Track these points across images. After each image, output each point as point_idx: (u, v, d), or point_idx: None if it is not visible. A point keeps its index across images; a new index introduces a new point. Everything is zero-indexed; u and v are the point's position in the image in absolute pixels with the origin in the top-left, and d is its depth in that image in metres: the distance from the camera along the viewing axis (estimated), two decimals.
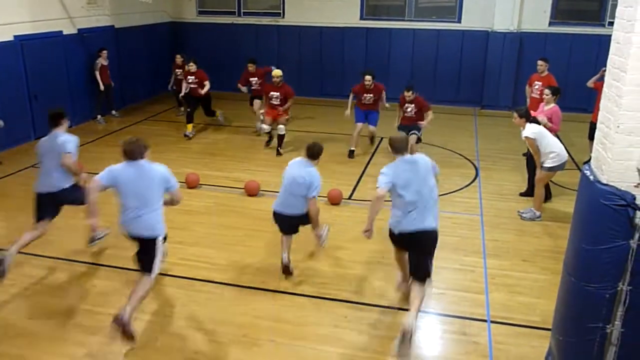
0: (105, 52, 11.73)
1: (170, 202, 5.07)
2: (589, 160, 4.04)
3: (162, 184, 4.85)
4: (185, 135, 10.71)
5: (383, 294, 5.55)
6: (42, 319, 5.05)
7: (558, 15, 13.02)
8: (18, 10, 9.97)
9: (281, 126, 9.70)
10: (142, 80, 13.65)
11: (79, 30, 11.56)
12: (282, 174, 5.88)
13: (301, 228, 5.98)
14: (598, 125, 3.81)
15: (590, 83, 9.19)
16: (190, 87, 10.75)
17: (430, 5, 14.05)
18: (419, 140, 8.83)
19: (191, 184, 8.08)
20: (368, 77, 9.37)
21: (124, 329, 4.54)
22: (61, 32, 11.07)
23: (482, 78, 13.37)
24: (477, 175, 9.00)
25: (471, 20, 13.28)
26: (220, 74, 13.13)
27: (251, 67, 10.89)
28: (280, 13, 14.49)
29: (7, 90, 9.68)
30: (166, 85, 12.58)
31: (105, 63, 11.79)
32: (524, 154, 8.73)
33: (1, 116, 9.04)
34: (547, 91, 7.89)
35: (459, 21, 13.45)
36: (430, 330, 5.06)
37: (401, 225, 4.84)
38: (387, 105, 9.70)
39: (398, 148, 4.95)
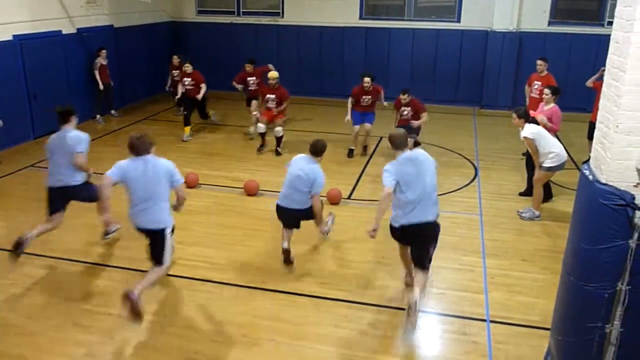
0: (104, 51, 11.72)
1: (177, 204, 5.22)
2: (588, 159, 4.05)
3: (167, 178, 5.01)
4: (184, 141, 10.60)
5: (383, 293, 5.56)
6: (42, 319, 5.05)
7: (557, 14, 13.02)
8: (17, 9, 9.96)
9: (278, 128, 9.64)
10: (142, 79, 13.64)
11: (78, 29, 11.55)
12: (283, 171, 6.00)
13: (303, 223, 6.03)
14: (597, 124, 3.82)
15: (589, 83, 9.19)
16: (187, 89, 10.63)
17: (429, 4, 14.06)
18: (417, 144, 8.76)
19: (190, 184, 8.08)
20: (367, 79, 9.31)
21: (132, 306, 4.69)
22: (60, 31, 11.06)
23: (482, 78, 13.38)
24: (476, 174, 9.01)
25: (470, 20, 13.28)
26: (219, 73, 13.15)
27: (249, 68, 10.81)
28: (279, 13, 14.48)
29: (6, 90, 9.67)
30: (165, 85, 12.61)
31: (104, 62, 11.79)
32: (523, 154, 8.74)
33: (0, 116, 9.03)
34: (547, 91, 7.89)
35: (459, 21, 13.45)
36: (430, 330, 5.06)
37: (404, 219, 4.95)
38: (385, 103, 9.64)
39: (398, 144, 5.06)
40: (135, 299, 4.71)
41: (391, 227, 5.12)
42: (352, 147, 9.69)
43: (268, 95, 9.74)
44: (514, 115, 7.14)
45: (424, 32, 13.59)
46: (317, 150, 5.93)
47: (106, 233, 6.47)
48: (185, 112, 10.78)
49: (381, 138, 10.37)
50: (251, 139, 10.46)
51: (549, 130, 7.57)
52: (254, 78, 10.86)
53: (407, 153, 5.05)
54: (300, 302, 5.38)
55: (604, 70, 3.97)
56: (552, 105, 7.78)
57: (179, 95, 10.89)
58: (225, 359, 4.57)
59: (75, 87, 11.47)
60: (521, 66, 12.79)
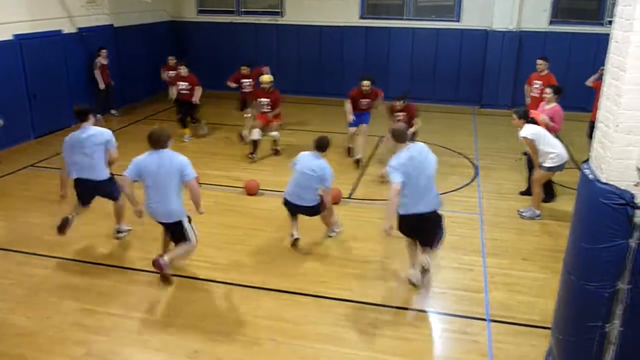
0: (104, 51, 11.72)
1: (194, 204, 5.43)
2: (588, 159, 4.05)
3: (179, 172, 5.26)
4: (184, 142, 10.44)
5: (384, 293, 5.56)
6: (42, 318, 5.05)
7: (557, 14, 13.01)
8: (17, 9, 9.96)
9: (274, 133, 9.48)
10: (142, 79, 13.64)
11: (78, 29, 11.55)
12: (283, 170, 6.05)
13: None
14: (597, 124, 3.81)
15: (589, 82, 9.20)
16: (182, 92, 10.40)
17: (429, 4, 14.05)
18: None
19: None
20: (366, 83, 9.06)
21: (162, 273, 5.36)
22: (60, 31, 11.06)
23: (482, 77, 13.37)
24: (476, 174, 9.01)
25: (470, 19, 13.28)
26: (219, 73, 13.10)
27: (245, 70, 10.61)
28: (279, 12, 14.48)
29: (6, 90, 9.67)
30: (164, 84, 12.43)
31: (104, 62, 11.79)
32: (523, 153, 8.73)
33: (1, 115, 9.03)
34: (548, 90, 7.89)
35: (458, 20, 13.45)
36: (430, 329, 5.06)
37: (409, 209, 5.24)
38: (379, 107, 9.29)
39: (400, 137, 5.35)
40: (163, 264, 5.31)
41: (399, 216, 5.33)
42: (351, 145, 9.54)
43: (261, 99, 9.51)
44: (514, 115, 7.14)
45: (424, 31, 13.58)
46: (321, 145, 6.19)
47: (119, 231, 6.58)
48: (180, 116, 10.53)
49: (381, 137, 10.36)
50: (245, 144, 10.12)
51: (550, 129, 7.56)
52: (250, 80, 10.66)
53: (409, 146, 5.32)
54: (300, 302, 5.38)
55: (603, 69, 3.97)
56: (554, 104, 7.78)
57: (172, 97, 10.69)
58: (225, 358, 4.57)
59: (76, 87, 11.47)
60: (521, 65, 12.77)
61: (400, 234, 5.63)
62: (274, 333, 4.87)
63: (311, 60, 14.37)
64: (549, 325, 4.39)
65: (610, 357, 3.74)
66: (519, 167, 8.90)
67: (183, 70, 10.42)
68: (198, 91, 10.40)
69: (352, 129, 9.34)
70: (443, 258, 6.09)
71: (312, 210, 6.32)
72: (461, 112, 13.17)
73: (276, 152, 9.72)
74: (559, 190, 7.93)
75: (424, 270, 5.47)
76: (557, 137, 7.41)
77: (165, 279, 5.53)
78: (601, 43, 9.58)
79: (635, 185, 3.48)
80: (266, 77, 9.50)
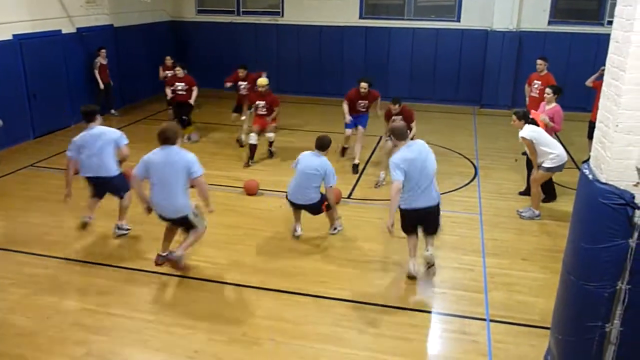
0: (104, 51, 11.72)
1: (203, 202, 5.61)
2: (588, 159, 4.05)
3: (185, 169, 5.35)
4: (189, 139, 10.30)
5: (383, 293, 5.56)
6: (42, 318, 5.05)
7: (557, 14, 13.02)
8: (17, 9, 9.96)
9: (270, 134, 9.36)
10: (142, 79, 13.63)
11: (78, 29, 11.55)
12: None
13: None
14: (597, 124, 3.81)
15: (589, 82, 9.19)
16: (178, 93, 10.32)
17: (429, 4, 14.06)
18: None
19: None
20: (364, 84, 8.93)
21: (175, 265, 5.56)
22: (60, 31, 11.06)
23: (482, 77, 13.38)
24: (476, 174, 9.01)
25: (470, 19, 13.28)
26: (219, 73, 13.10)
27: (241, 73, 10.47)
28: (279, 12, 14.48)
29: (6, 90, 9.68)
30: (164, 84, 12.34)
31: (104, 62, 11.79)
32: (523, 153, 8.73)
33: (0, 115, 9.03)
34: (548, 90, 7.89)
35: (458, 20, 13.45)
36: (430, 329, 5.07)
37: (412, 203, 5.46)
38: (379, 112, 9.16)
39: (400, 135, 5.52)
40: (174, 258, 5.53)
41: (402, 210, 5.55)
42: (347, 146, 9.41)
43: (258, 102, 9.40)
44: (514, 117, 7.13)
45: (424, 31, 13.59)
46: (322, 145, 6.40)
47: (120, 228, 6.62)
48: (178, 119, 10.27)
49: (381, 137, 10.35)
50: (241, 146, 10.01)
51: (551, 129, 7.57)
52: (246, 83, 10.49)
53: (410, 144, 5.51)
54: (300, 302, 5.38)
55: (603, 69, 3.97)
56: (554, 104, 7.78)
57: (168, 98, 10.61)
58: (225, 358, 4.57)
59: (75, 87, 11.47)
60: (521, 65, 12.78)
61: (402, 232, 5.75)
62: (274, 333, 4.87)
63: (311, 60, 14.38)
64: (549, 325, 4.39)
65: (609, 357, 3.74)
66: (518, 167, 8.90)
67: (179, 72, 10.37)
68: (195, 92, 10.35)
69: (349, 131, 9.21)
70: (443, 258, 6.09)
71: (314, 208, 6.48)
72: (461, 112, 13.17)
73: (270, 155, 9.59)
74: (559, 190, 7.93)
75: (430, 265, 5.74)
76: (556, 137, 7.41)
77: (182, 269, 5.73)
78: (601, 43, 9.62)
79: (635, 185, 3.48)
80: (262, 81, 9.33)
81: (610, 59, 3.66)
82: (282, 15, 14.46)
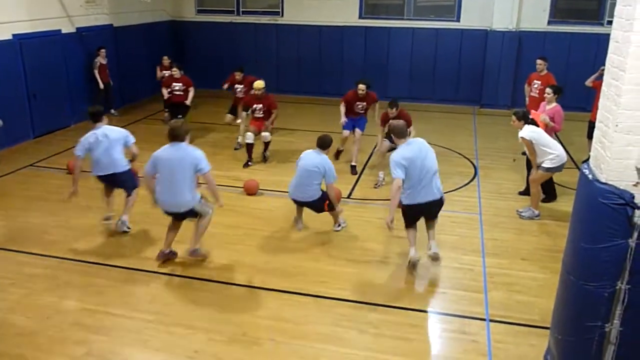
0: (104, 50, 11.72)
1: (212, 196, 5.82)
2: (588, 159, 4.05)
3: (193, 166, 5.52)
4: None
5: (383, 293, 5.56)
6: (42, 318, 5.05)
7: (557, 14, 13.03)
8: (17, 9, 9.96)
9: (266, 134, 9.23)
10: (141, 79, 13.61)
11: (77, 29, 11.55)
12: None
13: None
14: (597, 124, 3.82)
15: (589, 82, 9.20)
16: (175, 94, 10.28)
17: (429, 4, 14.06)
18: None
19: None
20: (362, 86, 8.84)
21: (196, 256, 5.91)
22: (60, 30, 11.06)
23: (481, 77, 13.38)
24: (476, 174, 9.01)
25: (470, 19, 13.28)
26: (219, 72, 13.13)
27: (238, 75, 10.40)
28: (279, 12, 14.48)
29: (5, 89, 9.67)
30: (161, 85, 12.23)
31: (104, 62, 11.79)
32: (522, 153, 8.73)
33: (0, 115, 9.03)
34: (548, 90, 7.89)
35: (458, 20, 13.46)
36: (430, 329, 5.07)
37: (414, 199, 5.60)
38: (377, 120, 8.79)
39: (400, 133, 5.70)
40: (197, 255, 5.88)
41: (404, 206, 5.68)
42: (341, 149, 9.27)
43: (255, 105, 9.30)
44: (514, 117, 7.13)
45: (424, 31, 13.59)
46: (323, 143, 6.58)
47: (122, 222, 6.67)
48: (179, 117, 10.18)
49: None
50: (236, 149, 9.96)
51: (551, 129, 7.57)
52: (242, 86, 10.38)
53: (409, 141, 5.69)
54: (300, 302, 5.38)
55: (603, 69, 3.97)
56: (554, 104, 7.78)
57: (165, 98, 10.52)
58: (225, 358, 4.57)
59: (75, 87, 11.48)
60: (521, 65, 12.79)
61: (402, 229, 5.85)
62: (274, 333, 4.87)
63: (311, 60, 14.38)
64: (548, 325, 4.39)
65: (609, 357, 3.74)
66: (518, 167, 8.90)
67: (176, 72, 10.33)
68: (191, 93, 10.32)
69: (346, 132, 9.10)
70: (443, 258, 6.09)
71: (315, 206, 6.60)
72: (461, 112, 13.18)
73: (264, 159, 9.41)
74: (558, 190, 7.93)
75: (435, 259, 5.82)
76: (556, 137, 7.41)
77: (202, 258, 6.01)
78: (601, 43, 9.61)
79: (635, 185, 3.48)
80: (258, 84, 9.19)
81: (610, 59, 3.66)
82: (282, 15, 14.46)
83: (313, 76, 14.38)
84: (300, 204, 6.75)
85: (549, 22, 12.99)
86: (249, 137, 9.16)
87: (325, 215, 6.87)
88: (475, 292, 5.56)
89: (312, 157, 6.50)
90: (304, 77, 14.43)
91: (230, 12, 14.75)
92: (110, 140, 6.34)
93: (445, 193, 7.78)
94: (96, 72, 11.63)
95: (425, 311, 5.28)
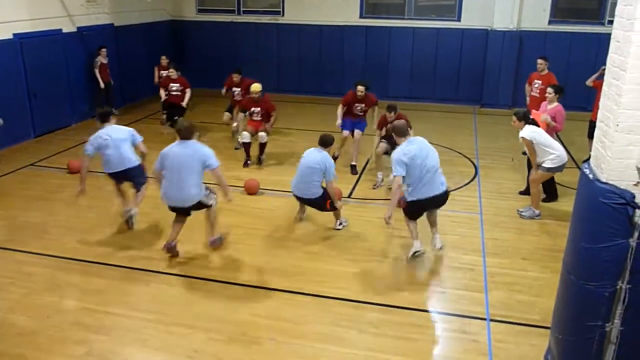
0: (104, 50, 11.71)
1: (222, 192, 5.99)
2: (589, 158, 4.04)
3: (201, 162, 5.70)
4: None
5: (383, 292, 5.55)
6: (42, 318, 5.05)
7: (557, 13, 13.02)
8: (17, 8, 9.96)
9: (262, 134, 9.10)
10: (142, 78, 13.56)
11: (78, 28, 11.55)
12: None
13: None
14: (597, 123, 3.81)
15: (589, 82, 9.19)
16: (172, 94, 10.23)
17: (430, 3, 14.05)
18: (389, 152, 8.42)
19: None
20: (361, 88, 8.80)
21: (216, 246, 6.19)
22: (60, 30, 11.06)
23: (482, 76, 13.37)
24: (476, 173, 9.01)
25: (471, 18, 13.27)
26: (219, 72, 13.12)
27: (236, 78, 10.31)
28: (279, 11, 14.48)
29: (6, 89, 9.67)
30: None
31: (104, 61, 11.78)
32: (523, 153, 8.73)
33: (0, 114, 9.03)
34: (550, 90, 7.87)
35: (459, 20, 13.45)
36: (430, 329, 5.06)
37: (417, 195, 5.77)
38: (375, 127, 8.67)
39: (401, 132, 5.88)
40: (214, 242, 6.18)
41: (407, 202, 5.85)
42: (337, 155, 9.03)
43: (253, 109, 9.23)
44: (514, 118, 7.12)
45: (425, 31, 13.58)
46: (325, 142, 6.73)
47: (130, 217, 6.78)
48: (176, 118, 10.27)
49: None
50: (237, 149, 9.86)
51: (552, 129, 7.55)
52: (239, 89, 10.27)
53: (411, 139, 5.84)
54: (300, 301, 5.38)
55: (604, 69, 3.96)
56: (556, 104, 7.77)
57: (162, 99, 10.47)
58: (225, 357, 4.57)
59: (76, 86, 11.47)
60: (521, 65, 12.78)
61: (400, 227, 5.99)
62: (274, 332, 4.87)
63: (311, 60, 14.37)
64: (549, 325, 4.39)
65: (610, 357, 3.74)
66: (519, 166, 8.90)
67: (173, 74, 10.29)
68: (188, 94, 10.27)
69: (346, 132, 9.04)
70: (443, 258, 6.09)
71: (317, 203, 6.67)
72: (461, 111, 13.17)
73: (260, 162, 9.27)
74: (559, 189, 7.92)
75: (440, 249, 6.08)
76: (557, 137, 7.40)
77: (220, 243, 6.30)
78: (602, 43, 9.62)
79: (636, 184, 3.48)
80: (255, 86, 9.09)
81: (611, 59, 3.66)
82: (283, 15, 14.46)
83: (314, 76, 14.38)
84: (302, 201, 6.84)
85: (550, 22, 12.98)
86: (245, 137, 9.13)
87: (326, 215, 6.87)
88: (475, 291, 5.56)
89: (313, 155, 6.62)
90: (304, 77, 14.43)
91: (231, 11, 14.75)
92: (113, 139, 6.46)
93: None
94: (97, 71, 11.63)
95: (425, 311, 5.28)
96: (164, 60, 11.75)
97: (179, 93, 10.30)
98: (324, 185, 6.65)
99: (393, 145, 8.08)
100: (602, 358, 3.76)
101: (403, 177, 5.71)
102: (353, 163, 9.03)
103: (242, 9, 14.71)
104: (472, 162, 9.57)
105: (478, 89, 13.49)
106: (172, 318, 5.07)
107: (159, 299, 5.40)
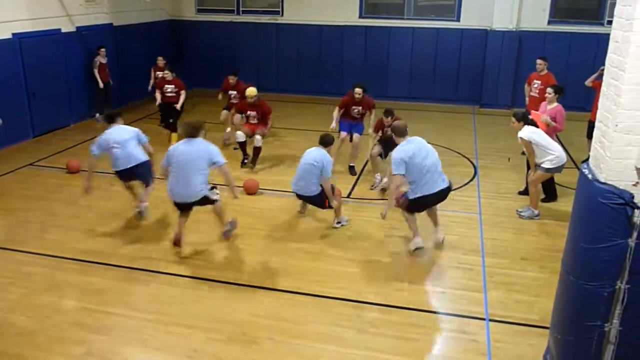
0: (103, 50, 11.70)
1: (229, 188, 6.16)
2: (588, 159, 4.05)
3: (206, 159, 5.84)
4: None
5: (383, 292, 5.56)
6: (42, 318, 5.05)
7: (557, 13, 13.03)
8: (16, 8, 9.95)
9: (258, 137, 9.00)
10: (141, 78, 13.52)
11: (77, 28, 11.55)
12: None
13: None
14: (597, 124, 3.82)
15: (588, 82, 9.19)
16: (167, 95, 10.17)
17: (429, 3, 14.06)
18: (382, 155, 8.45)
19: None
20: (358, 90, 8.75)
21: (228, 236, 6.43)
22: (60, 30, 11.05)
23: (481, 77, 13.38)
24: (475, 173, 9.01)
25: (470, 18, 13.28)
26: (218, 72, 13.11)
27: (232, 80, 10.22)
28: (279, 11, 14.48)
29: (5, 88, 9.67)
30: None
31: (103, 61, 11.78)
32: (522, 153, 8.73)
33: (0, 114, 9.03)
34: (550, 90, 7.88)
35: (458, 20, 13.45)
36: (429, 329, 5.06)
37: (418, 192, 5.90)
38: (371, 132, 8.64)
39: (400, 132, 5.98)
40: (226, 232, 6.42)
41: (409, 200, 5.97)
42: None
43: (249, 112, 9.18)
44: (513, 119, 7.12)
45: (424, 31, 13.59)
46: (325, 141, 6.84)
47: (139, 209, 6.95)
48: (170, 120, 10.26)
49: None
50: (236, 149, 9.67)
51: (553, 129, 7.56)
52: (236, 92, 10.17)
53: (410, 139, 5.94)
54: (299, 301, 5.38)
55: (603, 69, 3.97)
56: (556, 104, 7.77)
57: (158, 102, 10.34)
58: (224, 357, 4.57)
59: (75, 86, 11.47)
60: (521, 65, 12.79)
61: (399, 225, 6.11)
62: (273, 332, 4.87)
63: (311, 60, 14.38)
64: (548, 325, 4.39)
65: (609, 357, 3.74)
66: (518, 166, 8.90)
67: (168, 75, 10.23)
68: (182, 96, 10.20)
69: (343, 134, 9.00)
70: (442, 257, 6.09)
71: (316, 201, 6.75)
72: (461, 111, 13.17)
73: (253, 165, 9.11)
74: (558, 189, 7.93)
75: (440, 242, 6.29)
76: (556, 137, 7.40)
77: (232, 232, 6.54)
78: (601, 43, 9.58)
79: (634, 185, 3.48)
80: (250, 91, 9.02)
81: (610, 59, 3.66)
82: (282, 15, 14.46)
83: (313, 76, 14.38)
84: (302, 199, 6.91)
85: (549, 22, 12.99)
86: (240, 136, 9.07)
87: (326, 213, 6.87)
88: (474, 291, 5.56)
89: (312, 153, 6.70)
90: (304, 77, 14.43)
91: (230, 11, 14.75)
92: (124, 137, 6.64)
93: None
94: (96, 71, 11.62)
95: (424, 311, 5.28)
96: (160, 61, 11.70)
97: (174, 94, 10.23)
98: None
99: (387, 150, 8.13)
100: (601, 358, 3.77)
101: (402, 176, 5.82)
102: (351, 164, 9.03)
103: (241, 9, 14.71)
104: (471, 162, 9.58)
105: (477, 89, 13.50)
106: (172, 318, 5.08)
107: (158, 299, 5.41)
